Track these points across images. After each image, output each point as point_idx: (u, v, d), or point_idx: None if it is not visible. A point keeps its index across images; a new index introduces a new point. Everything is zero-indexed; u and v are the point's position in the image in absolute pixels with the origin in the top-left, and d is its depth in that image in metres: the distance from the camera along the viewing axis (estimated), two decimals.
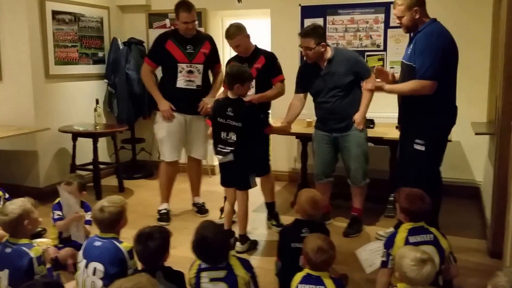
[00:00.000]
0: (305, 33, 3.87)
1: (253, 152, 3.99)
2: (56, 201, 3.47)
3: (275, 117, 4.31)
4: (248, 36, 3.99)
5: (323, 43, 3.83)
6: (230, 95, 3.60)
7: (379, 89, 3.56)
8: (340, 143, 3.96)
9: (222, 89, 4.26)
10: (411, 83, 3.38)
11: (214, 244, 2.45)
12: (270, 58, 4.04)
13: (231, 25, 4.01)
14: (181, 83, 4.19)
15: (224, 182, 3.78)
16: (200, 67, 4.22)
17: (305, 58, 3.99)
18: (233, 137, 3.55)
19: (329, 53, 3.88)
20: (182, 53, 4.17)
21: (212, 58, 4.35)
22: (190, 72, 4.19)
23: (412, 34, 3.56)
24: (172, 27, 5.48)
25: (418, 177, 3.40)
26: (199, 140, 4.41)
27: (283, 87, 4.08)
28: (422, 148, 3.45)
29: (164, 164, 4.42)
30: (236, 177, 3.67)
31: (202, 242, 2.47)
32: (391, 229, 3.67)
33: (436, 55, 3.28)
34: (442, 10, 4.29)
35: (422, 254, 2.25)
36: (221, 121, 3.59)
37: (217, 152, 3.66)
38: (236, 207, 3.80)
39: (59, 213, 3.39)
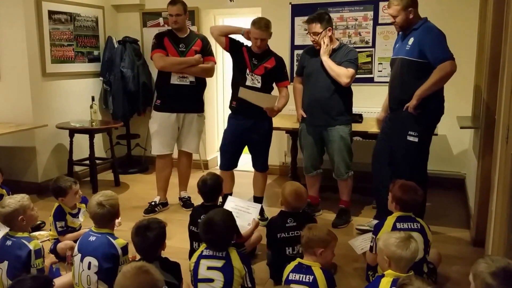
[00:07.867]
0: (311, 19, 3.96)
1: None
2: (55, 206, 3.46)
3: None
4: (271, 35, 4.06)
5: (329, 28, 3.95)
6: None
7: (412, 107, 3.43)
8: (325, 137, 4.07)
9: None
10: (435, 74, 3.34)
11: (219, 227, 2.55)
12: (280, 62, 4.13)
13: (263, 18, 4.04)
14: (174, 79, 4.31)
15: None
16: None
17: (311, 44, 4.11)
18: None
19: (335, 44, 4.02)
20: (175, 51, 4.29)
21: (204, 53, 4.38)
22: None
23: (401, 32, 3.65)
24: (166, 26, 5.59)
25: (410, 169, 3.47)
26: (191, 134, 4.51)
27: (288, 93, 4.18)
28: (416, 139, 3.49)
29: (156, 158, 4.55)
30: None
31: (208, 223, 2.59)
32: (372, 221, 3.80)
33: (444, 41, 3.39)
34: (429, 7, 4.40)
35: (404, 234, 2.37)
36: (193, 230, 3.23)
37: None
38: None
39: (62, 224, 3.44)
